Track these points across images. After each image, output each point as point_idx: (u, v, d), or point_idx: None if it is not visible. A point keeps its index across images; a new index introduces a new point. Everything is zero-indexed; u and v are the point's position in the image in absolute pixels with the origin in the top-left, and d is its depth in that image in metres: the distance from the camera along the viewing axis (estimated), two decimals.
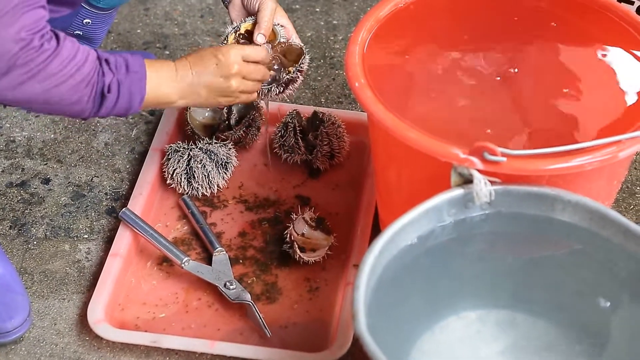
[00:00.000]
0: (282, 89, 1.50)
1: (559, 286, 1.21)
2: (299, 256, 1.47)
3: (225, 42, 1.50)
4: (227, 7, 1.55)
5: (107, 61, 1.29)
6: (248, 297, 1.42)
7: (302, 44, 1.53)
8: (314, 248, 1.49)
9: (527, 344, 1.20)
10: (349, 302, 1.40)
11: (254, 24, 1.49)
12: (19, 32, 1.19)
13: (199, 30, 1.96)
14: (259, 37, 1.49)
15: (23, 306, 1.42)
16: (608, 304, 1.19)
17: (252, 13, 1.51)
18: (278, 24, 1.51)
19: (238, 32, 1.50)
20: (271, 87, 1.49)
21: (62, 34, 1.25)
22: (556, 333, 1.20)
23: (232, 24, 1.53)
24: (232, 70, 1.39)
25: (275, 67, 1.50)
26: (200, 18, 1.99)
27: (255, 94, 1.46)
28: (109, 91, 1.28)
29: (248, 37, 1.50)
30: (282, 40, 1.51)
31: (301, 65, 1.50)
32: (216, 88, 1.39)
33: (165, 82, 1.35)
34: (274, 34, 1.50)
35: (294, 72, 1.49)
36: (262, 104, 1.58)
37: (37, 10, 1.21)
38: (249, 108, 1.64)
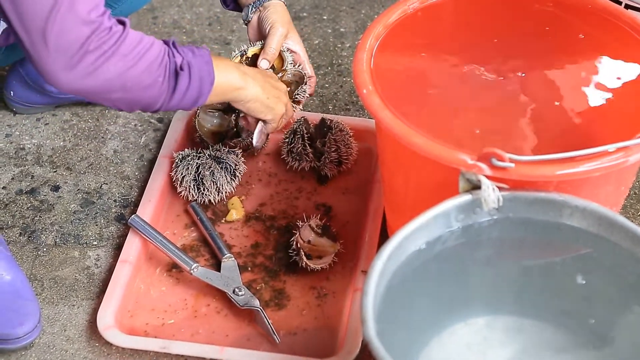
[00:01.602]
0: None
1: (567, 292, 1.21)
2: (305, 263, 1.47)
3: None
4: (246, 26, 1.56)
5: (174, 44, 1.28)
6: (257, 303, 1.43)
7: (309, 72, 1.55)
8: (320, 255, 1.49)
9: (535, 349, 1.20)
10: (357, 308, 1.40)
11: (262, 48, 1.51)
12: (88, 13, 1.15)
13: (207, 38, 1.97)
14: (262, 63, 1.52)
15: (33, 312, 1.42)
16: (616, 309, 1.19)
17: (264, 36, 1.52)
18: (288, 50, 1.53)
19: (245, 56, 1.52)
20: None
21: (122, 18, 1.23)
22: (564, 339, 1.20)
23: (249, 43, 1.55)
24: (284, 88, 1.48)
25: None
26: (209, 26, 2.00)
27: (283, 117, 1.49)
28: (181, 69, 1.26)
29: (254, 64, 1.52)
30: (288, 67, 1.52)
31: (296, 96, 1.52)
32: (272, 89, 1.44)
33: (230, 69, 1.36)
34: (281, 59, 1.52)
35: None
36: (255, 139, 1.56)
37: None
38: None
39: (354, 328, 1.38)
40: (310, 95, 1.58)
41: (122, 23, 1.22)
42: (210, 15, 2.02)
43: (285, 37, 1.52)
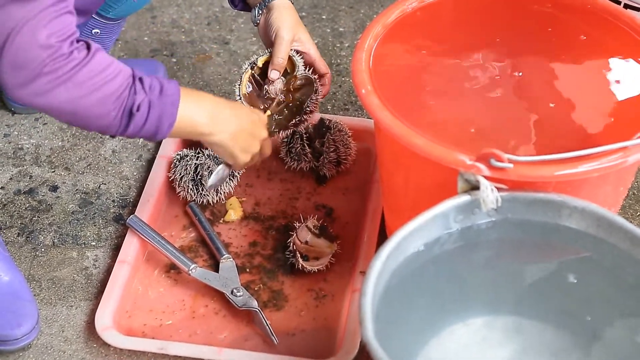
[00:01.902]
0: (289, 132, 1.57)
1: (566, 292, 1.21)
2: (302, 265, 1.47)
3: (240, 80, 1.54)
4: (257, 28, 1.56)
5: (141, 80, 1.25)
6: (255, 304, 1.42)
7: (322, 70, 1.54)
8: (317, 256, 1.49)
9: (534, 350, 1.19)
10: (355, 309, 1.40)
11: (271, 54, 1.51)
12: (48, 38, 1.16)
13: (206, 37, 1.96)
14: (272, 74, 1.52)
15: (31, 313, 1.42)
16: (616, 310, 1.19)
17: (270, 41, 1.52)
18: (297, 52, 1.52)
19: (256, 67, 1.53)
20: (279, 132, 1.54)
21: (95, 45, 1.22)
22: (563, 339, 1.20)
23: (260, 54, 1.55)
24: (262, 135, 1.42)
25: (280, 110, 1.54)
26: (207, 25, 2.00)
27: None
28: (137, 110, 1.23)
29: (266, 70, 1.53)
30: (298, 73, 1.52)
31: (306, 108, 1.52)
32: (245, 137, 1.39)
33: (200, 112, 1.32)
34: (292, 63, 1.52)
35: (299, 117, 1.53)
36: (211, 179, 1.51)
37: (66, 16, 1.18)
38: None
39: (352, 329, 1.38)
40: (324, 95, 1.56)
41: (88, 48, 1.20)
42: (209, 15, 2.02)
43: (291, 43, 1.50)
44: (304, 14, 2.01)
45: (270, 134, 1.53)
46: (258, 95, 1.55)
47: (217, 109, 1.34)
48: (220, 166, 1.46)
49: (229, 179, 1.57)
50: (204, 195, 1.57)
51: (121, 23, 1.68)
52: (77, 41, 1.20)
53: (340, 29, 1.98)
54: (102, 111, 1.22)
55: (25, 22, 1.15)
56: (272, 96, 1.54)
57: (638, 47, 1.35)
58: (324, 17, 2.01)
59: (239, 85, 1.53)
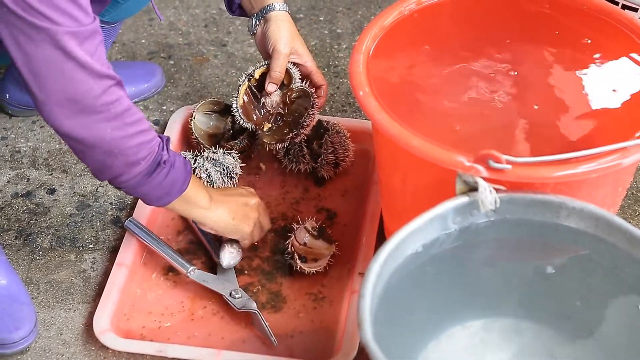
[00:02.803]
0: (285, 144, 1.57)
1: (565, 293, 1.21)
2: (300, 267, 1.47)
3: (237, 92, 1.55)
4: (253, 38, 1.56)
5: (167, 141, 1.31)
6: (254, 305, 1.42)
7: (319, 82, 1.55)
8: (316, 258, 1.49)
9: (532, 352, 1.19)
10: (354, 310, 1.40)
11: (269, 67, 1.52)
12: (99, 65, 1.19)
13: (203, 40, 1.96)
14: (269, 87, 1.54)
15: (29, 317, 1.42)
16: (615, 310, 1.19)
17: (267, 52, 1.52)
18: (294, 65, 1.53)
19: (253, 78, 1.54)
20: (275, 144, 1.56)
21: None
22: (562, 341, 1.19)
23: (258, 64, 1.56)
24: (253, 200, 1.47)
25: (277, 121, 1.56)
26: (205, 28, 2.00)
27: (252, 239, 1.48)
28: (164, 164, 1.29)
29: (263, 82, 1.53)
30: (296, 85, 1.53)
31: (304, 122, 1.53)
32: (241, 208, 1.44)
33: (201, 190, 1.39)
34: (289, 76, 1.53)
35: (296, 130, 1.54)
36: (224, 260, 1.51)
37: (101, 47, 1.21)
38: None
39: (351, 331, 1.38)
40: (320, 107, 1.57)
41: (119, 85, 1.23)
42: (207, 17, 2.02)
43: (288, 56, 1.51)
44: (301, 15, 2.01)
45: (267, 145, 1.55)
46: (255, 107, 1.56)
47: (211, 192, 1.42)
48: (224, 246, 1.48)
49: (227, 180, 1.58)
50: None
51: (117, 26, 1.68)
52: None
53: (338, 31, 1.98)
54: (136, 157, 1.25)
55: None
56: (269, 108, 1.55)
57: (636, 47, 1.35)
58: (321, 18, 2.01)
59: (236, 97, 1.55)
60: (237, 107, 1.54)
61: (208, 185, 1.56)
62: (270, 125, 1.56)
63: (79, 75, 1.17)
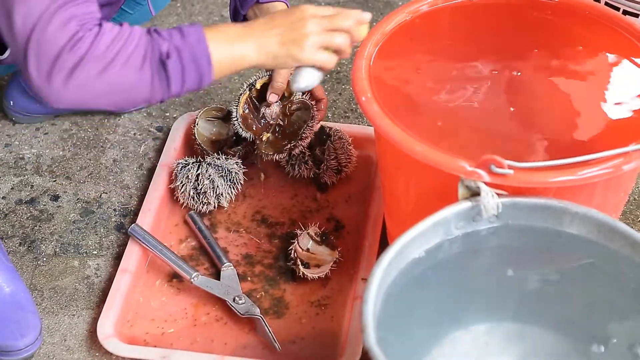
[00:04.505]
0: (283, 155, 1.57)
1: (567, 299, 1.21)
2: (303, 273, 1.47)
3: (237, 102, 1.55)
4: None
5: (156, 31, 1.19)
6: (257, 311, 1.42)
7: (318, 95, 1.55)
8: (319, 263, 1.49)
9: (535, 356, 1.19)
10: (357, 316, 1.40)
11: (270, 77, 1.52)
12: (66, 24, 1.13)
13: None
14: (271, 97, 1.53)
15: (34, 324, 1.42)
16: (618, 315, 1.19)
17: None
18: None
19: (254, 89, 1.54)
20: (274, 154, 1.55)
21: (104, 20, 1.17)
22: (565, 345, 1.19)
23: (260, 73, 1.55)
24: (305, 13, 1.27)
25: (276, 134, 1.56)
26: None
27: (334, 60, 1.29)
28: (167, 57, 1.17)
29: (263, 92, 1.54)
30: (296, 97, 1.54)
31: (302, 134, 1.53)
32: (288, 30, 1.26)
33: (234, 37, 1.24)
34: (290, 88, 1.53)
35: (294, 142, 1.55)
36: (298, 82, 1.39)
37: (86, 4, 1.15)
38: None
39: (354, 336, 1.38)
40: (319, 120, 1.57)
41: (100, 25, 1.17)
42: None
43: (291, 67, 1.50)
44: None
45: (264, 156, 1.55)
46: (254, 117, 1.56)
47: (249, 26, 1.26)
48: (305, 69, 1.31)
49: (230, 186, 1.58)
50: (205, 203, 1.57)
51: None
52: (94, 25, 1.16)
53: None
54: (134, 76, 1.16)
55: (47, 16, 1.13)
56: (268, 119, 1.55)
57: (637, 52, 1.35)
58: None
59: (237, 106, 1.55)
60: (237, 117, 1.55)
61: (212, 192, 1.56)
62: (269, 136, 1.56)
63: (49, 32, 1.12)
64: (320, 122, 1.59)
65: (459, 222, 1.17)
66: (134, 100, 1.21)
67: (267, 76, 1.55)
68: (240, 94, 1.56)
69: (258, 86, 1.56)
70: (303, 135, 1.55)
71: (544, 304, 1.22)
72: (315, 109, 1.56)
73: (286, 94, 1.56)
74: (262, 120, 1.57)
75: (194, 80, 1.21)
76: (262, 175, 1.64)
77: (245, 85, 1.57)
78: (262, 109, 1.56)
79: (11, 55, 1.44)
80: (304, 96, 1.56)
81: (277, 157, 1.58)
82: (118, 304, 1.44)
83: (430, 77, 1.36)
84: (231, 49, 1.24)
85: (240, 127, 1.55)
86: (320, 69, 1.32)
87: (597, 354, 1.18)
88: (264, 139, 1.57)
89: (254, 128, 1.57)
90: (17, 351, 1.40)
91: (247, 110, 1.56)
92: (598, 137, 1.26)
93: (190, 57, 1.19)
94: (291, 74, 1.52)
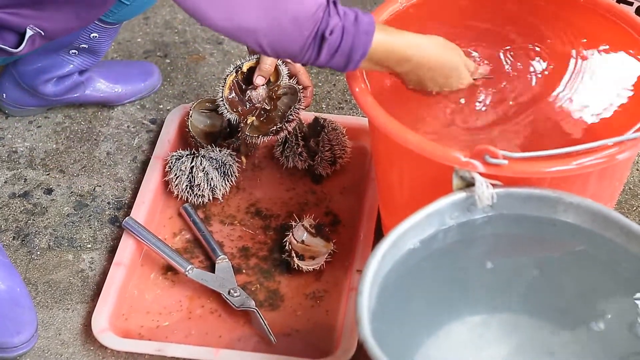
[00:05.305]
0: (268, 138, 1.55)
1: (562, 288, 1.21)
2: (297, 265, 1.47)
3: (223, 83, 1.54)
4: None
5: (335, 4, 1.20)
6: (252, 304, 1.42)
7: (305, 82, 1.54)
8: (313, 255, 1.49)
9: (531, 346, 1.19)
10: (352, 307, 1.40)
11: (257, 61, 1.51)
12: None
13: (199, 38, 1.96)
14: (257, 80, 1.52)
15: (30, 321, 1.41)
16: (612, 305, 1.19)
17: None
18: (283, 62, 1.53)
19: (240, 71, 1.53)
20: (258, 137, 1.54)
21: None
22: (559, 335, 1.19)
23: (247, 56, 1.54)
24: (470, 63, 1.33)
25: (262, 118, 1.54)
26: (200, 26, 1.99)
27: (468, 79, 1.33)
28: (330, 34, 1.18)
29: (250, 76, 1.52)
30: (283, 82, 1.52)
31: (289, 116, 1.52)
32: (442, 77, 1.30)
33: (396, 50, 1.26)
34: (277, 72, 1.52)
35: (280, 124, 1.54)
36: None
37: None
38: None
39: (349, 327, 1.38)
40: (306, 107, 1.57)
41: None
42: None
43: None
44: None
45: (249, 138, 1.54)
46: (240, 100, 1.55)
47: (412, 49, 1.27)
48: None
49: (224, 178, 1.57)
50: (200, 195, 1.57)
51: (118, 27, 1.68)
52: None
53: None
54: (295, 31, 1.17)
55: None
56: (254, 101, 1.54)
57: (632, 41, 1.35)
58: None
59: (222, 87, 1.54)
60: (222, 98, 1.54)
61: (206, 185, 1.56)
62: (253, 119, 1.55)
63: None
64: (306, 109, 1.58)
65: (453, 212, 1.17)
66: (277, 53, 1.21)
67: (255, 59, 1.53)
68: (227, 76, 1.54)
69: (245, 69, 1.54)
70: (290, 117, 1.54)
71: (538, 293, 1.22)
72: (304, 88, 1.55)
73: (272, 80, 1.55)
74: (248, 103, 1.55)
75: (339, 64, 1.22)
76: (244, 159, 1.62)
77: (231, 67, 1.55)
78: (248, 92, 1.54)
79: (29, 42, 1.40)
80: (291, 80, 1.55)
81: (261, 141, 1.57)
82: (112, 297, 1.43)
83: None
84: (387, 59, 1.26)
85: (226, 108, 1.54)
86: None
87: (592, 344, 1.18)
88: (248, 122, 1.55)
89: (240, 109, 1.55)
90: (13, 348, 1.39)
91: (232, 93, 1.55)
92: (592, 127, 1.26)
93: (349, 45, 1.20)
94: (278, 59, 1.51)
